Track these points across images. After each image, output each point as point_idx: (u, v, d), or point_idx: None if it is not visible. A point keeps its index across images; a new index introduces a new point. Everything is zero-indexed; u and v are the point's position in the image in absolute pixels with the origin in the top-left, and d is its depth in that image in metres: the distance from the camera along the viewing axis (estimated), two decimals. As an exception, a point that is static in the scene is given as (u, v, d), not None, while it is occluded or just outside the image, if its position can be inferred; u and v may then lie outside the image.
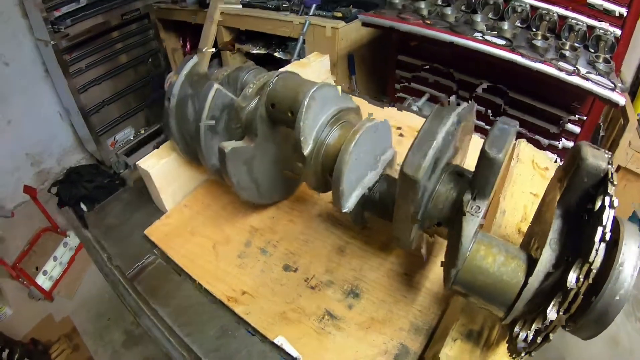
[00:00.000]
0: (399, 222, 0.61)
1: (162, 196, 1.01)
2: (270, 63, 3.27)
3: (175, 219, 1.02)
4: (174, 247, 0.95)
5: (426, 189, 0.58)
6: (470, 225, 0.55)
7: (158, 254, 0.96)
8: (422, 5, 2.06)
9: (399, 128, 1.23)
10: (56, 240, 2.94)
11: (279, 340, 0.74)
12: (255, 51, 3.04)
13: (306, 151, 0.69)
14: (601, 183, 0.54)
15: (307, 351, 0.73)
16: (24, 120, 3.12)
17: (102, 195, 2.95)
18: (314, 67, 1.36)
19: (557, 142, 2.16)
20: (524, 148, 1.10)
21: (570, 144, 2.15)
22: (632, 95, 2.19)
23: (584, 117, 2.05)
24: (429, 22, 1.93)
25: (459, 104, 0.60)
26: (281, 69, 0.84)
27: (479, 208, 0.55)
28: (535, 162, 1.07)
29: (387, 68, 2.66)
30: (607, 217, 0.48)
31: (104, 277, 0.93)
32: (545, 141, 2.18)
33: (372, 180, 0.72)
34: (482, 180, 0.57)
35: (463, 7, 2.14)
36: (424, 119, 0.59)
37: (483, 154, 0.54)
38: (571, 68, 1.68)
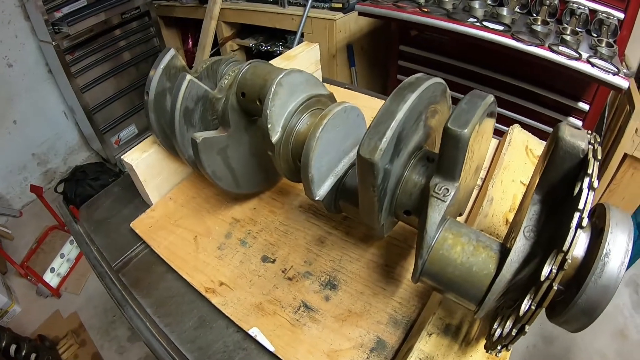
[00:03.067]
0: (364, 210, 0.58)
1: (147, 189, 1.01)
2: (271, 57, 3.27)
3: (159, 211, 1.02)
4: (157, 239, 0.95)
5: (390, 174, 0.55)
6: (436, 211, 0.52)
7: (143, 246, 0.97)
8: (419, -7, 2.03)
9: None
10: (63, 237, 2.98)
11: (253, 332, 0.72)
12: (251, 44, 3.04)
13: (274, 139, 0.68)
14: (581, 165, 0.49)
15: (280, 343, 0.71)
16: (30, 120, 3.16)
17: (106, 193, 2.98)
18: (301, 58, 1.34)
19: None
20: (518, 134, 1.06)
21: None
22: (639, 81, 2.12)
23: (588, 105, 2.01)
24: (425, 10, 1.90)
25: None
26: (256, 60, 0.82)
27: (447, 191, 0.52)
28: (529, 149, 1.03)
29: (388, 59, 2.62)
30: (585, 200, 0.44)
31: (92, 269, 0.95)
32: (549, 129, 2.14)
33: (345, 167, 0.70)
34: (449, 160, 0.53)
35: (462, -6, 2.10)
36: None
37: (446, 130, 0.50)
38: (572, 53, 1.63)
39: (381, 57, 2.87)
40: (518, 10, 1.95)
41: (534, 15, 1.93)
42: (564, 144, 0.49)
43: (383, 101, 1.29)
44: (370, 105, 1.30)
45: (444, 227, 0.53)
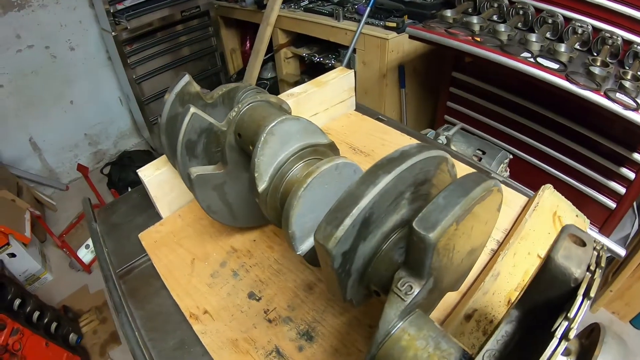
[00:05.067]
0: (327, 285, 0.55)
1: (158, 205, 1.05)
2: (323, 69, 3.26)
3: (167, 227, 1.04)
4: (159, 254, 0.97)
5: (354, 256, 0.50)
6: (393, 308, 0.45)
7: (146, 258, 0.99)
8: (475, 20, 1.93)
9: None
10: (103, 217, 3.12)
11: (223, 369, 0.71)
12: (305, 54, 3.04)
13: (260, 188, 0.66)
14: (569, 296, 0.40)
15: (246, 385, 0.69)
16: (86, 102, 3.33)
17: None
18: (334, 84, 1.30)
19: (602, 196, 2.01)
20: (548, 196, 0.95)
21: (622, 189, 1.96)
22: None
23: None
24: (478, 39, 1.81)
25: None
26: (262, 99, 0.80)
27: (411, 289, 0.46)
28: (557, 215, 0.91)
29: (440, 84, 2.54)
30: (553, 350, 0.35)
31: (101, 270, 0.98)
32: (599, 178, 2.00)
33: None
34: (415, 260, 0.46)
35: (519, 24, 1.99)
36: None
37: (410, 229, 0.43)
38: (630, 102, 1.50)
39: (433, 81, 2.79)
40: (578, 47, 1.82)
41: (594, 54, 1.80)
42: (553, 266, 0.41)
43: (412, 139, 1.25)
44: (397, 142, 1.26)
45: (405, 322, 0.47)
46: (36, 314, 2.14)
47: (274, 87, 3.58)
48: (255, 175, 0.65)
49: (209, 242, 0.97)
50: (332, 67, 2.91)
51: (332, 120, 1.38)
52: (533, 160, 2.18)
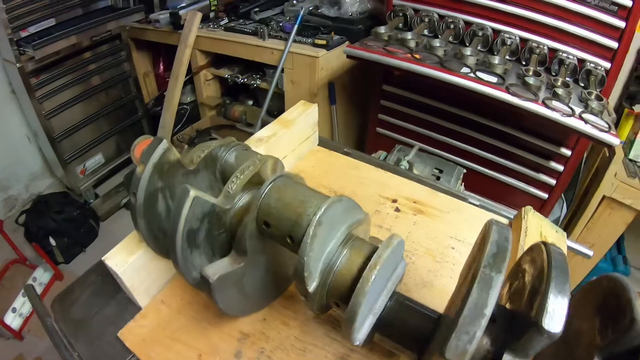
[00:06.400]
0: None
1: (135, 294, 0.88)
2: (245, 91, 3.17)
3: (151, 319, 0.88)
4: (153, 355, 0.82)
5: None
6: None
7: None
8: (409, 36, 1.98)
9: (395, 201, 1.14)
10: (25, 273, 2.78)
11: None
12: (227, 75, 2.93)
13: (311, 288, 0.60)
14: None
15: None
16: (-10, 143, 2.94)
17: (71, 229, 2.81)
18: (300, 122, 1.24)
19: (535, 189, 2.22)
20: (532, 218, 0.99)
21: (552, 181, 2.14)
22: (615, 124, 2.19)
23: (570, 151, 2.05)
24: (417, 56, 1.86)
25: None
26: (281, 176, 0.72)
27: None
28: (543, 235, 0.97)
29: (370, 97, 2.58)
30: None
31: None
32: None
33: (383, 303, 0.64)
34: (522, 345, 0.48)
35: (451, 38, 2.07)
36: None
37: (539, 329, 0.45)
38: (565, 109, 1.63)
39: (362, 95, 2.83)
40: (508, 57, 1.95)
41: (524, 63, 1.94)
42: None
43: (387, 172, 1.25)
44: (373, 178, 1.23)
45: None
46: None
47: (194, 111, 3.42)
48: (305, 275, 0.59)
49: (213, 332, 0.86)
50: (257, 88, 2.86)
51: (300, 160, 1.32)
52: (469, 164, 2.31)
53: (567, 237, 1.04)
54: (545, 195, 2.26)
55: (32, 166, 3.27)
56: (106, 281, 0.93)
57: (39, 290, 2.67)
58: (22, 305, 2.62)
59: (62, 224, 2.76)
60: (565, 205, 2.50)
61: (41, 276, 2.72)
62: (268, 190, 0.68)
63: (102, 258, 0.84)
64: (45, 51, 2.62)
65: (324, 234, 0.61)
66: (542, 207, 2.30)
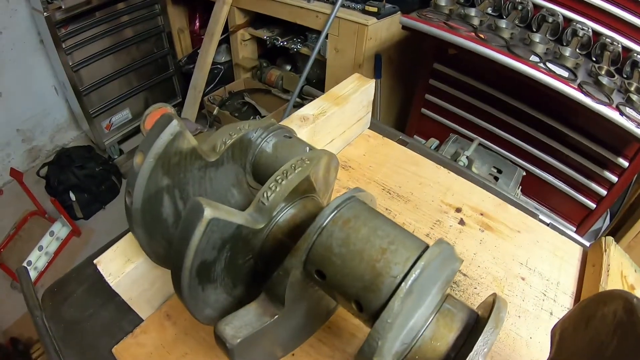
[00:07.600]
0: None
1: (134, 306, 0.73)
2: (284, 55, 2.99)
3: (153, 337, 0.73)
4: None
5: None
6: None
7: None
8: (473, 12, 1.76)
9: (459, 210, 0.97)
10: (44, 226, 2.75)
11: None
12: (266, 37, 2.75)
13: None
14: None
15: None
16: (17, 93, 2.88)
17: (93, 185, 2.74)
18: (353, 103, 1.05)
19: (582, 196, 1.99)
20: (614, 253, 0.84)
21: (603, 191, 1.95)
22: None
23: (627, 162, 1.82)
24: (482, 36, 1.64)
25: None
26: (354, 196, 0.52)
27: None
28: (623, 275, 0.82)
29: (418, 75, 2.36)
30: None
31: None
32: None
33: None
34: None
35: (516, 20, 1.84)
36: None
37: None
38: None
39: (409, 71, 2.61)
40: (579, 51, 1.71)
41: (594, 59, 1.70)
42: None
43: (450, 173, 1.07)
44: (434, 179, 1.06)
45: None
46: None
47: (228, 72, 3.28)
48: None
49: (229, 359, 0.72)
50: (297, 53, 2.68)
51: (349, 146, 1.14)
52: (521, 162, 2.11)
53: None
54: (592, 205, 2.05)
55: (58, 118, 3.21)
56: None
57: (55, 245, 2.64)
58: (37, 258, 2.59)
59: (84, 180, 2.70)
60: (608, 217, 2.29)
61: (59, 230, 2.67)
62: (329, 224, 0.48)
63: (94, 261, 0.67)
64: (72, 0, 2.49)
65: (411, 305, 0.42)
66: (587, 218, 2.10)
